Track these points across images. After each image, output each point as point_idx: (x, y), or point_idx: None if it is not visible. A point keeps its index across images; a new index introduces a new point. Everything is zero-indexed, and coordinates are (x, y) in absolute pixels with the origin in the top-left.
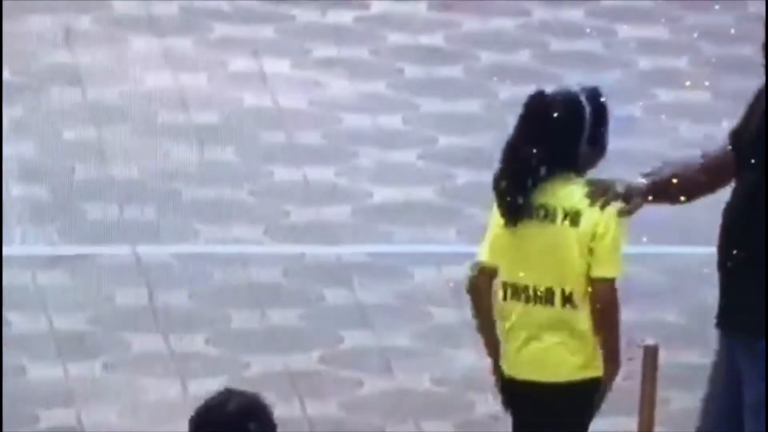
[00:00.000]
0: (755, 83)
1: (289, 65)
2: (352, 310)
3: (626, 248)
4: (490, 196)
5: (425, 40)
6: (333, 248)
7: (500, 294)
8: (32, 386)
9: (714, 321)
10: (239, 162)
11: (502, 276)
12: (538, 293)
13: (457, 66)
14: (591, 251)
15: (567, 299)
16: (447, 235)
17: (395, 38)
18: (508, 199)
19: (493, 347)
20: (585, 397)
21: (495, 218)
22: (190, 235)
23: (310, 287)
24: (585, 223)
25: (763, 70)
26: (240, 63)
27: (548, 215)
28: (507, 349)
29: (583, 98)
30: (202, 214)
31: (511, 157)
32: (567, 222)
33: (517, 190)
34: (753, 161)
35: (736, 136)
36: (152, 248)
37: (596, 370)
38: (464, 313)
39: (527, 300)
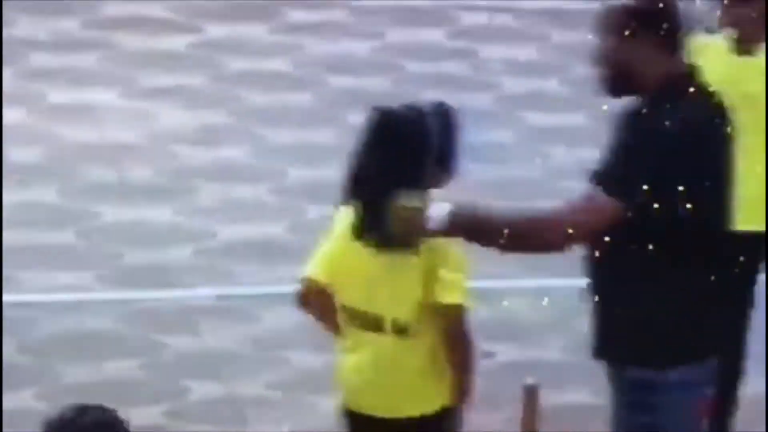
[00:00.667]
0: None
1: (117, 96)
2: (198, 359)
3: (505, 282)
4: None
5: (269, 65)
6: (174, 292)
7: (341, 317)
8: None
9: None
10: (63, 202)
11: (340, 299)
12: (373, 320)
13: (306, 93)
14: (434, 278)
15: (400, 329)
16: (299, 274)
17: (235, 65)
18: (363, 216)
19: None
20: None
21: (335, 234)
22: (11, 283)
23: (149, 335)
24: (426, 249)
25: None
26: (61, 95)
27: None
28: (343, 376)
29: (429, 116)
30: (23, 260)
31: (356, 176)
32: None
33: (366, 209)
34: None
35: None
36: None
37: (431, 404)
38: (324, 356)
39: (363, 326)
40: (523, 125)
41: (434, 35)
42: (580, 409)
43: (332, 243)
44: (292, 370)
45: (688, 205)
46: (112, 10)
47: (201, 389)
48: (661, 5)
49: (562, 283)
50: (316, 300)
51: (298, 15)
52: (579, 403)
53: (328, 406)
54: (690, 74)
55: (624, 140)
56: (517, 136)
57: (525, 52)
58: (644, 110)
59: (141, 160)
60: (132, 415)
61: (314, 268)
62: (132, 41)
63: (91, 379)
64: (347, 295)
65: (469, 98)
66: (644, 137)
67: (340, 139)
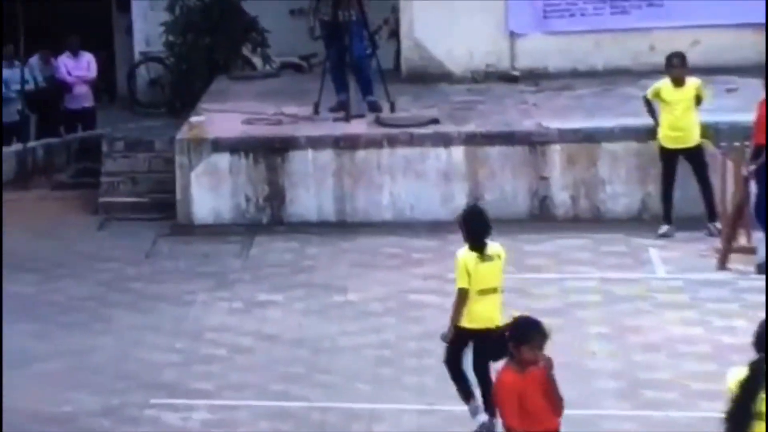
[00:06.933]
0: None
1: None
2: None
3: None
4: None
5: None
6: None
7: (475, 292)
8: None
9: None
10: None
11: (476, 286)
12: (493, 290)
13: None
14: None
15: (502, 291)
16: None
17: None
18: (481, 249)
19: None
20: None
21: (468, 264)
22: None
23: None
24: (502, 259)
25: None
26: None
27: (493, 258)
28: (478, 313)
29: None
30: None
31: (476, 237)
32: (500, 260)
33: (482, 246)
34: None
35: None
36: None
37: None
38: None
39: (488, 293)
40: None
41: None
42: None
43: (468, 267)
44: None
45: None
46: None
47: None
48: None
49: None
50: (467, 297)
51: None
52: None
53: None
54: None
55: None
56: None
57: None
58: None
59: None
60: None
61: (462, 282)
62: None
63: None
64: (482, 284)
65: None
66: None
67: None
